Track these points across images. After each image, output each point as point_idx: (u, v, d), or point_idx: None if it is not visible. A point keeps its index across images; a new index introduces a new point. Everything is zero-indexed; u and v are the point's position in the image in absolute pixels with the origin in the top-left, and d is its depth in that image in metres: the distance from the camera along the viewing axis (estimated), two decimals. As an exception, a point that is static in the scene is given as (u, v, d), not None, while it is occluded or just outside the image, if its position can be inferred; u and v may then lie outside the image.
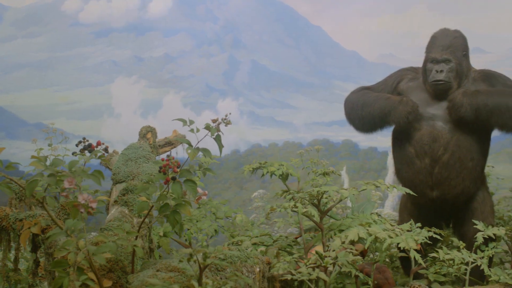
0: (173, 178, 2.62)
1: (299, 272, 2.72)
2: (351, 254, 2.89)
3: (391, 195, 11.91)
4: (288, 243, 3.87)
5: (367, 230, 3.31)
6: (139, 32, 13.06)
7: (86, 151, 2.80)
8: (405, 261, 5.30)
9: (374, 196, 7.66)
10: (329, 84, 14.39)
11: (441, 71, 5.11)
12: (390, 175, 13.97)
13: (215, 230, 4.12)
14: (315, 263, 2.81)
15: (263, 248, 4.00)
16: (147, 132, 4.83)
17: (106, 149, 2.84)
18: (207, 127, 2.76)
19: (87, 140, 2.85)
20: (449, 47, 5.21)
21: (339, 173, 4.74)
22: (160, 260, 2.77)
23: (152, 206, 2.71)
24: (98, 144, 2.83)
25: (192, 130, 2.72)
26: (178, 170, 2.63)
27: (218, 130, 2.78)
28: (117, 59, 12.90)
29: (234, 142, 11.17)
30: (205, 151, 2.74)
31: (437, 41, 5.30)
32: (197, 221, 4.13)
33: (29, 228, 2.78)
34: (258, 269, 2.94)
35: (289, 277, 2.73)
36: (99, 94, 12.58)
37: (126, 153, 4.42)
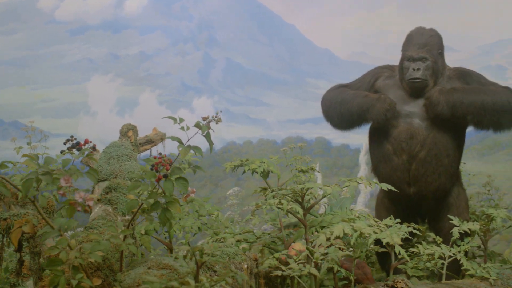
0: (165, 176, 2.62)
1: (290, 268, 2.74)
2: (340, 250, 2.92)
3: (363, 192, 12.02)
4: (272, 240, 3.89)
5: (352, 226, 3.35)
6: (115, 30, 12.95)
7: (74, 149, 2.78)
8: (382, 257, 5.36)
9: (346, 192, 7.70)
10: (302, 81, 14.46)
11: (418, 69, 5.17)
12: (362, 172, 14.12)
13: (199, 228, 4.12)
14: (305, 259, 2.83)
15: (246, 245, 4.02)
16: (128, 130, 4.80)
17: (94, 148, 2.82)
18: (197, 125, 2.77)
19: (75, 139, 2.83)
20: (425, 45, 5.27)
21: (318, 170, 4.77)
22: (151, 258, 2.77)
23: (142, 204, 2.70)
24: (86, 142, 2.81)
25: (182, 128, 2.73)
26: (170, 168, 2.63)
27: (209, 127, 2.79)
28: (93, 57, 12.78)
29: (204, 140, 11.14)
30: (196, 148, 2.74)
31: (413, 40, 5.36)
32: (179, 219, 4.13)
33: (20, 227, 2.75)
34: (246, 266, 2.95)
35: (279, 273, 2.74)
36: (75, 92, 12.45)
37: (108, 151, 4.38)
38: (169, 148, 5.25)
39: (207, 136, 2.80)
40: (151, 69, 12.47)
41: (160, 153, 2.66)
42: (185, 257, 2.26)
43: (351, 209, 5.14)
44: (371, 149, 5.49)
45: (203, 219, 4.33)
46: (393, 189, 4.20)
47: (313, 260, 2.85)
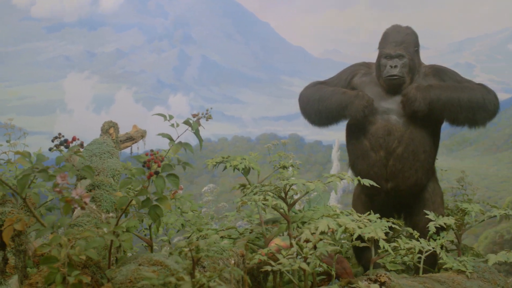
0: (156, 173, 2.62)
1: (280, 263, 2.75)
2: (328, 244, 2.94)
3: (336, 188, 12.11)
4: (256, 236, 3.91)
5: (337, 221, 3.38)
6: (91, 27, 12.84)
7: (62, 147, 2.76)
8: (359, 251, 5.41)
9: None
10: (277, 79, 14.51)
11: (395, 66, 5.23)
12: (334, 168, 14.22)
13: (182, 225, 4.11)
14: (294, 254, 2.85)
15: (227, 241, 4.02)
16: (109, 127, 4.78)
17: (81, 145, 2.80)
18: (187, 122, 2.77)
19: (63, 136, 2.80)
20: (402, 43, 5.33)
21: (299, 167, 4.79)
22: (141, 255, 2.76)
23: (131, 200, 2.69)
24: (74, 139, 2.79)
25: (172, 125, 2.73)
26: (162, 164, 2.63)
27: (199, 124, 2.79)
28: (69, 54, 12.66)
29: (184, 137, 11.15)
30: (187, 145, 2.75)
31: (390, 37, 5.41)
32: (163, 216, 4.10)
33: (10, 224, 2.72)
34: (233, 261, 2.97)
35: (269, 268, 2.76)
36: (51, 89, 12.31)
37: (90, 149, 4.36)
38: (149, 145, 5.24)
39: (197, 133, 2.80)
40: (127, 66, 12.40)
41: (152, 150, 2.66)
42: (180, 253, 2.27)
43: (329, 205, 5.18)
44: (349, 145, 5.53)
45: (186, 215, 4.32)
46: (375, 184, 4.24)
47: (303, 255, 2.88)
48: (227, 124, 13.00)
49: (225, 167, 4.64)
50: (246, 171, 4.61)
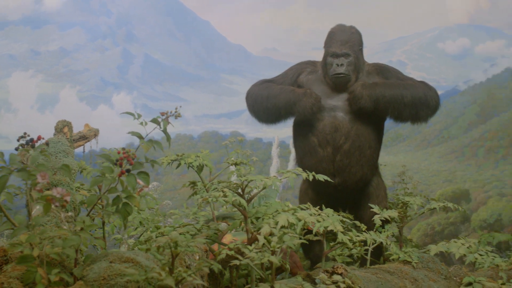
0: (128, 171, 2.61)
1: (248, 257, 2.79)
2: (294, 237, 3.00)
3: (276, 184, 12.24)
4: (214, 232, 3.93)
5: (296, 215, 3.44)
6: (35, 26, 12.53)
7: (28, 146, 2.72)
8: (307, 245, 5.49)
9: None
10: (217, 77, 14.53)
11: (342, 64, 5.33)
12: (274, 165, 14.35)
13: (140, 222, 4.10)
14: (260, 248, 2.90)
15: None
16: (63, 126, 4.71)
17: (47, 143, 2.77)
18: (155, 121, 2.77)
19: (28, 135, 2.76)
20: (348, 42, 5.44)
21: (250, 164, 4.82)
22: (111, 252, 2.74)
23: (100, 197, 2.68)
24: (39, 138, 2.75)
25: (141, 124, 2.73)
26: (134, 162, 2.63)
27: (168, 122, 2.80)
28: (13, 53, 12.32)
29: (128, 136, 11.04)
30: (157, 143, 2.75)
31: (336, 37, 5.51)
32: (119, 214, 4.08)
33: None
34: (197, 257, 2.99)
35: (237, 262, 2.79)
36: (-5, 88, 11.99)
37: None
38: (101, 143, 5.19)
39: (165, 131, 2.81)
40: (71, 65, 12.17)
41: (123, 148, 2.66)
42: (158, 248, 2.28)
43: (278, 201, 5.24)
44: (296, 142, 5.60)
45: (142, 213, 4.31)
46: (329, 179, 4.31)
47: (270, 248, 2.92)
48: (170, 122, 12.93)
49: (179, 164, 4.65)
50: (200, 168, 4.63)
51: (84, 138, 5.06)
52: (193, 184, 4.91)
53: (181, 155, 4.61)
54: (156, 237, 3.68)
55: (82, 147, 5.06)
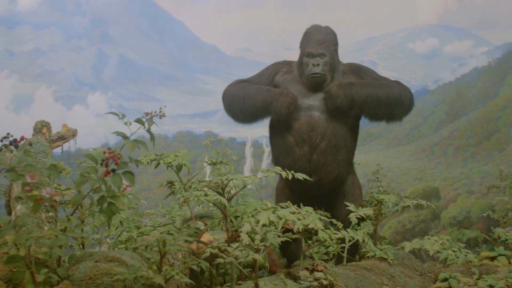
0: (113, 170, 2.61)
1: (232, 256, 2.80)
2: (277, 235, 3.02)
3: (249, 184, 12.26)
4: (194, 231, 3.94)
5: (277, 214, 3.46)
6: (9, 25, 12.38)
7: (11, 146, 2.70)
8: (283, 244, 5.51)
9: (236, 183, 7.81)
10: (192, 77, 14.52)
11: (318, 64, 5.36)
12: (248, 164, 14.36)
13: (121, 222, 4.09)
14: (244, 246, 2.91)
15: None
16: (42, 127, 4.67)
17: (30, 144, 2.75)
18: (139, 121, 2.77)
19: (11, 135, 2.74)
20: (323, 42, 5.48)
21: (227, 162, 4.83)
22: (96, 252, 2.74)
23: (84, 197, 2.68)
24: (22, 139, 2.74)
25: (126, 123, 2.73)
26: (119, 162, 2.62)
27: (153, 122, 2.80)
28: (-12, 53, 12.19)
29: (103, 136, 10.99)
30: (142, 143, 2.75)
31: (311, 37, 5.54)
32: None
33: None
34: (180, 256, 3.00)
35: (221, 261, 2.81)
36: (-30, 89, 11.79)
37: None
38: (79, 144, 5.16)
39: (149, 131, 2.81)
40: (46, 65, 12.05)
41: (109, 148, 2.65)
42: (146, 247, 2.28)
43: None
44: (273, 141, 5.62)
45: (123, 213, 4.30)
46: (308, 178, 4.34)
47: (255, 247, 2.94)
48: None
49: (158, 164, 4.65)
50: (179, 168, 4.63)
51: (62, 138, 5.02)
52: (171, 183, 4.91)
53: (160, 154, 4.61)
54: (137, 236, 3.68)
55: (60, 147, 5.03)
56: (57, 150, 5.02)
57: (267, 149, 13.69)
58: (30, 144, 2.75)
